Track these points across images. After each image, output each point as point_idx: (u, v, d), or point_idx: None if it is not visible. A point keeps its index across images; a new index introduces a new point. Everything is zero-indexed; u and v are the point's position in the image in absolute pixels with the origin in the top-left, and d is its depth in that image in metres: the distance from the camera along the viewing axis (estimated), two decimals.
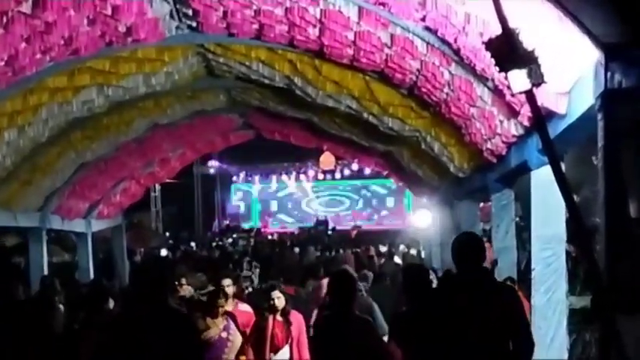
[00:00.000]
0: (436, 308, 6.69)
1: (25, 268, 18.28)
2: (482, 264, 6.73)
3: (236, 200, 54.05)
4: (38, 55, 8.78)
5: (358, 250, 25.45)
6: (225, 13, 9.24)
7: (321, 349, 7.70)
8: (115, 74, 11.08)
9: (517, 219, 13.26)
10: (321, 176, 49.69)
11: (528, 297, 9.66)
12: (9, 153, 11.72)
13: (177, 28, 9.69)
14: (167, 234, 42.74)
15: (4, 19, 7.74)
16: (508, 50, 5.76)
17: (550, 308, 9.22)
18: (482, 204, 16.72)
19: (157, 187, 42.17)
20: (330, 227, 46.81)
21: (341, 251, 25.64)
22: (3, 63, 8.42)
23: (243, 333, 9.99)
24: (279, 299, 9.86)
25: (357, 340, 7.34)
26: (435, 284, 8.84)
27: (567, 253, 9.84)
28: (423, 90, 10.24)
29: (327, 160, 44.39)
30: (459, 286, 6.63)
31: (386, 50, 9.44)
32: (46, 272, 16.20)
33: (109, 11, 8.57)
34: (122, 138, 14.91)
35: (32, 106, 10.91)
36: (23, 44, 8.36)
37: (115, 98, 11.77)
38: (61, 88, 10.87)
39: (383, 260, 21.68)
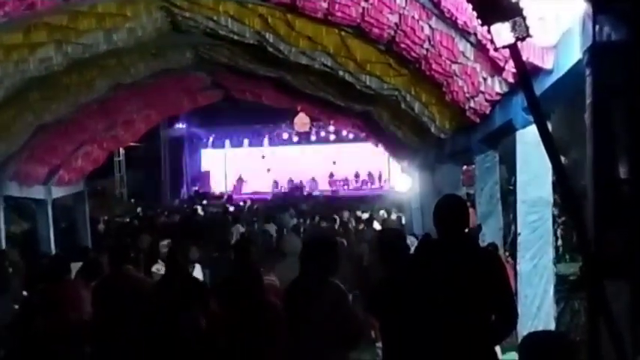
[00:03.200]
0: (412, 275, 6.69)
1: None
2: (464, 228, 6.73)
3: (205, 165, 53.93)
4: None
5: (335, 217, 25.47)
6: None
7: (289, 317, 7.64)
8: (74, 30, 10.97)
9: (502, 182, 13.31)
10: (295, 139, 49.74)
11: (514, 264, 9.73)
12: None
13: None
14: (132, 201, 42.65)
15: None
16: (491, 2, 5.74)
17: (536, 275, 9.25)
18: (465, 167, 16.75)
19: (121, 151, 42.06)
20: (305, 192, 46.91)
21: (317, 218, 25.66)
22: None
23: None
24: None
25: (327, 309, 7.30)
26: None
27: (554, 217, 9.89)
28: (402, 46, 10.21)
29: (301, 121, 44.47)
30: (436, 252, 6.63)
31: (362, 3, 9.42)
32: (3, 242, 16.13)
33: None
34: (83, 99, 14.78)
35: None
36: None
37: (74, 56, 11.64)
38: (17, 45, 10.77)
39: (362, 226, 21.75)
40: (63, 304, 8.82)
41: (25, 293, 11.06)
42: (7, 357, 8.02)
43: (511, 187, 13.29)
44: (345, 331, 7.27)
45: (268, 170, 52.58)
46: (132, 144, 30.74)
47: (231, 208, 35.00)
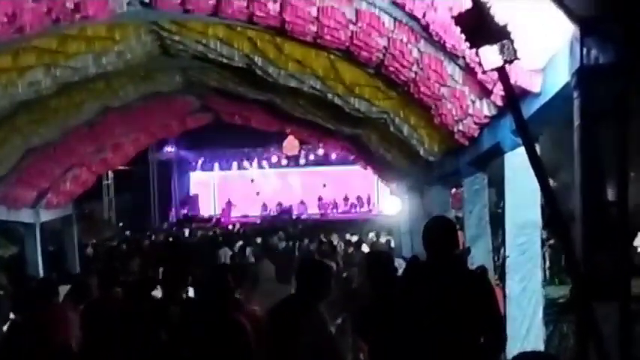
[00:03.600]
0: (400, 297, 6.68)
1: None
2: (453, 250, 6.73)
3: (194, 188, 53.87)
4: None
5: (324, 239, 25.44)
6: None
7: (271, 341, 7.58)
8: (63, 54, 10.99)
9: (490, 205, 13.32)
10: (284, 162, 49.76)
11: (503, 287, 9.73)
12: None
13: (128, 4, 9.58)
14: (121, 224, 42.55)
15: None
16: (479, 25, 5.77)
17: (525, 298, 9.27)
18: (453, 190, 16.78)
19: (110, 174, 42.01)
20: (294, 215, 46.89)
21: (306, 241, 25.66)
22: None
23: None
24: None
25: (308, 335, 7.26)
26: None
27: (543, 240, 9.90)
28: (391, 69, 10.23)
29: (290, 144, 44.38)
30: (425, 273, 6.62)
31: (351, 27, 9.43)
32: None
33: None
34: (72, 122, 14.79)
35: None
36: None
37: (63, 79, 11.66)
38: (5, 68, 10.78)
39: (351, 250, 21.73)
40: (50, 326, 8.77)
41: (12, 316, 11.01)
42: None
43: (499, 211, 13.34)
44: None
45: (257, 194, 52.53)
46: (121, 167, 30.69)
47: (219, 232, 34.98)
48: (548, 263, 12.27)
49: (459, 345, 6.32)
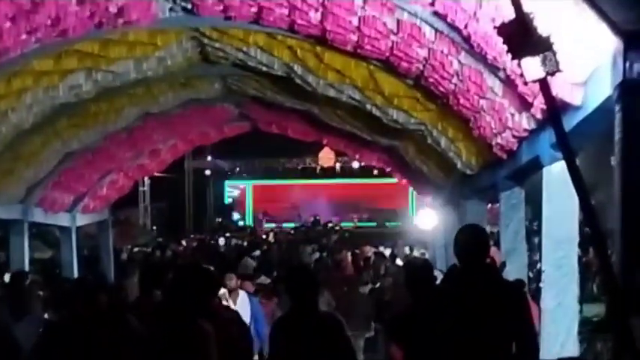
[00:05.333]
0: (438, 304, 6.66)
1: (4, 263, 18.26)
2: (484, 255, 6.72)
3: (229, 197, 54.04)
4: (23, 36, 8.73)
5: (357, 251, 25.41)
6: None
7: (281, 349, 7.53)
8: (105, 58, 11.05)
9: (527, 222, 13.26)
10: (320, 173, 49.83)
11: (538, 301, 9.67)
12: None
13: (170, 9, 9.65)
14: (155, 230, 42.73)
15: None
16: (522, 36, 5.74)
17: (560, 313, 9.18)
18: (489, 205, 16.71)
19: (146, 181, 42.24)
20: (327, 226, 46.93)
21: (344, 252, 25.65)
22: None
23: None
24: None
25: (323, 337, 7.24)
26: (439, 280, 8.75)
27: (579, 258, 9.83)
28: (430, 80, 10.22)
29: (326, 155, 44.55)
30: (462, 281, 6.61)
31: (392, 37, 9.43)
32: (27, 268, 16.15)
33: None
34: (111, 127, 14.85)
35: (16, 91, 10.89)
36: (8, 23, 8.33)
37: (103, 84, 11.71)
38: (47, 71, 10.85)
39: (385, 262, 21.69)
40: (88, 326, 8.80)
41: (46, 316, 11.06)
42: None
43: (535, 228, 13.27)
44: None
45: (291, 204, 52.65)
46: (157, 174, 30.82)
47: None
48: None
49: (494, 354, 6.29)
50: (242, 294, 12.17)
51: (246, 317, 10.39)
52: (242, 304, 11.81)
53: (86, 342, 7.32)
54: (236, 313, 9.39)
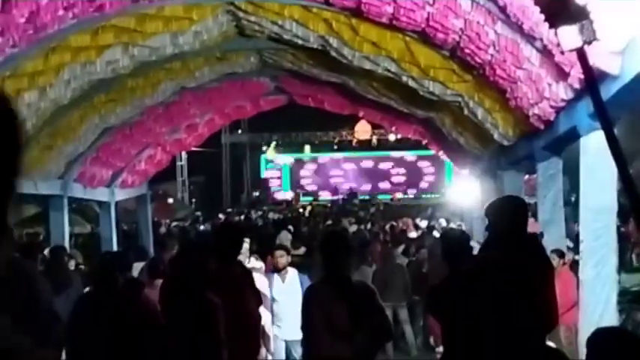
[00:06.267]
0: (476, 275, 6.66)
1: (45, 238, 18.42)
2: (522, 226, 6.75)
3: (266, 171, 54.17)
4: (60, 12, 8.82)
5: (394, 223, 25.44)
6: None
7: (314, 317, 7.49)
8: (141, 33, 11.12)
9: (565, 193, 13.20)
10: (356, 146, 49.79)
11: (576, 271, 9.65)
12: (29, 116, 11.73)
13: None
14: (192, 205, 42.95)
15: None
16: (559, 4, 5.71)
17: (599, 283, 9.14)
18: (527, 176, 16.64)
19: (184, 155, 42.44)
20: (359, 198, 47.02)
21: (377, 225, 25.71)
22: (24, 20, 8.46)
23: None
24: None
25: (356, 304, 7.22)
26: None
27: (618, 228, 9.77)
28: (467, 51, 10.19)
29: (362, 129, 44.52)
30: (498, 253, 6.62)
31: (427, 8, 9.41)
32: (67, 243, 16.29)
33: None
34: (148, 101, 14.93)
35: (54, 67, 10.97)
36: (45, 0, 8.41)
37: (140, 59, 11.79)
38: (84, 47, 10.93)
39: (421, 233, 21.72)
40: (124, 299, 8.89)
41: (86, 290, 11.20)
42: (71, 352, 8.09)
43: (572, 199, 13.22)
44: None
45: (328, 177, 52.72)
46: (194, 149, 30.96)
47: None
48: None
49: (527, 324, 6.32)
50: (291, 271, 11.94)
51: (298, 295, 10.24)
52: (292, 282, 11.67)
53: (109, 316, 7.44)
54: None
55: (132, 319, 7.37)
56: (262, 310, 9.92)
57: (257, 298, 8.86)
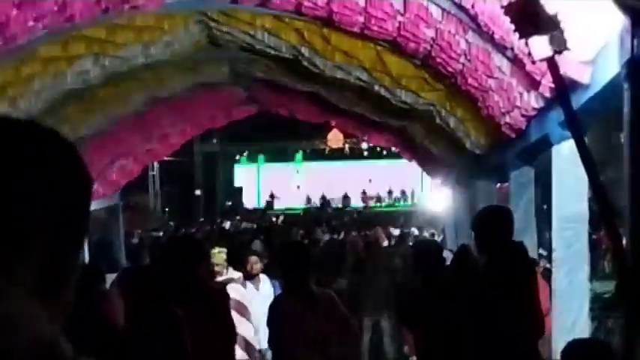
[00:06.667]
0: (448, 286, 6.67)
1: None
2: (507, 238, 6.77)
3: (238, 180, 54.16)
4: (30, 23, 8.74)
5: (368, 232, 25.44)
6: None
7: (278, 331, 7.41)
8: (112, 43, 11.06)
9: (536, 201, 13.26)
10: (328, 155, 49.90)
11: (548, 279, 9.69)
12: None
13: None
14: (165, 214, 42.85)
15: None
16: (529, 15, 5.74)
17: (571, 291, 9.19)
18: (499, 185, 16.71)
19: (156, 165, 42.32)
20: (332, 206, 47.10)
21: (353, 234, 25.68)
22: None
23: None
24: None
25: (324, 312, 7.17)
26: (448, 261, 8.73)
27: (589, 235, 9.83)
28: (438, 60, 10.21)
29: (335, 137, 44.59)
30: (473, 263, 6.65)
31: (399, 18, 9.42)
32: None
33: None
34: (119, 112, 14.87)
35: (24, 78, 10.89)
36: (14, 11, 8.34)
37: (111, 69, 11.72)
38: (55, 57, 10.86)
39: (394, 243, 21.73)
40: (97, 311, 8.83)
41: None
42: None
43: (545, 207, 13.28)
44: None
45: (299, 187, 52.76)
46: (166, 158, 30.88)
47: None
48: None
49: (505, 333, 6.33)
50: (264, 278, 11.94)
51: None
52: (265, 289, 11.66)
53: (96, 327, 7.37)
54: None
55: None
56: (242, 321, 9.91)
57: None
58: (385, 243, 22.29)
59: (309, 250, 8.06)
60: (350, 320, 7.64)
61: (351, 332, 7.56)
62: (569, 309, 9.17)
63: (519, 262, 7.05)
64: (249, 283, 11.31)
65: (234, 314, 9.93)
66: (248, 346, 10.25)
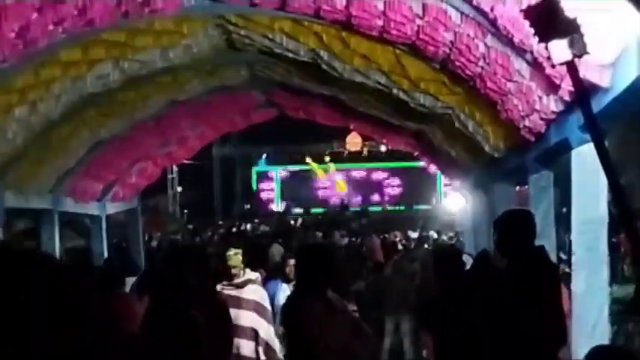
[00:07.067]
0: (468, 289, 6.65)
1: None
2: (529, 242, 6.74)
3: (257, 183, 54.14)
4: (50, 26, 8.78)
5: (386, 235, 25.45)
6: None
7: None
8: (132, 47, 11.10)
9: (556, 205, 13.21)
10: (347, 157, 49.85)
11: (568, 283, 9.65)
12: (19, 131, 11.70)
13: None
14: (184, 217, 42.94)
15: None
16: (548, 19, 5.72)
17: (591, 294, 9.15)
18: (518, 188, 16.66)
19: (175, 168, 42.42)
20: (349, 209, 47.09)
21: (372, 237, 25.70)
22: (14, 34, 8.43)
23: None
24: None
25: (341, 318, 7.03)
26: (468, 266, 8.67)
27: (609, 238, 9.78)
28: (457, 64, 10.19)
29: (353, 140, 44.52)
30: (494, 268, 6.63)
31: (417, 21, 9.41)
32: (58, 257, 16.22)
33: None
34: (138, 115, 14.92)
35: (44, 81, 10.94)
36: (35, 14, 8.38)
37: (130, 73, 11.76)
38: (75, 61, 10.89)
39: (413, 246, 21.73)
40: (115, 315, 8.87)
41: None
42: None
43: (564, 211, 13.22)
44: None
45: (319, 189, 52.70)
46: (185, 161, 30.93)
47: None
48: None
49: (525, 338, 6.30)
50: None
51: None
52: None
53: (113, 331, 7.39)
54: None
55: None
56: (262, 322, 9.94)
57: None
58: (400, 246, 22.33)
59: (332, 253, 7.79)
60: (362, 325, 7.57)
61: (366, 336, 7.51)
62: (589, 312, 9.12)
63: (542, 267, 7.02)
64: (285, 286, 11.57)
65: (253, 315, 10.01)
66: (268, 349, 10.24)
